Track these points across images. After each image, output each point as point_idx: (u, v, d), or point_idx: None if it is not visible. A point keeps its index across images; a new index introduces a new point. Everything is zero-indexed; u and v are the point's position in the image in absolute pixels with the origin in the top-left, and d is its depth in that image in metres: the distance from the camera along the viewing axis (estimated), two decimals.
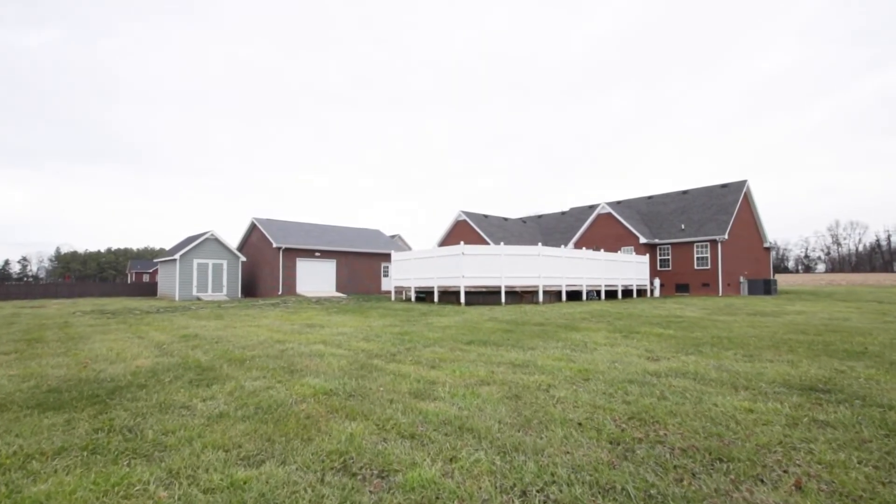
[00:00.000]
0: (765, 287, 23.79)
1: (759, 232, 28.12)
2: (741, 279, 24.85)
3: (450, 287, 17.45)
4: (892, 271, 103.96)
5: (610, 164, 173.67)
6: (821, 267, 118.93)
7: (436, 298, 18.10)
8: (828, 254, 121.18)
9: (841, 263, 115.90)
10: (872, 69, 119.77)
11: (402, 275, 20.23)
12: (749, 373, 5.19)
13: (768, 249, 28.79)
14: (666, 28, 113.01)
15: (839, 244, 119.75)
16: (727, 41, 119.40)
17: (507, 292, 17.02)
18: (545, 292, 17.89)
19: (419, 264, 19.07)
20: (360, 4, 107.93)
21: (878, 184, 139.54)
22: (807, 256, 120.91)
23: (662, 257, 26.15)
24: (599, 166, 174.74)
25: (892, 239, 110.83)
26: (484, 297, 17.14)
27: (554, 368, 5.45)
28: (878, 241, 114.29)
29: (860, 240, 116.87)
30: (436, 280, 17.97)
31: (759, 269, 27.48)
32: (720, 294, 23.49)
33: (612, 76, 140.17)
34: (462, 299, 16.61)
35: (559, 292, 18.79)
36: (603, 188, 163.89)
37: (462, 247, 16.72)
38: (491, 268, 16.83)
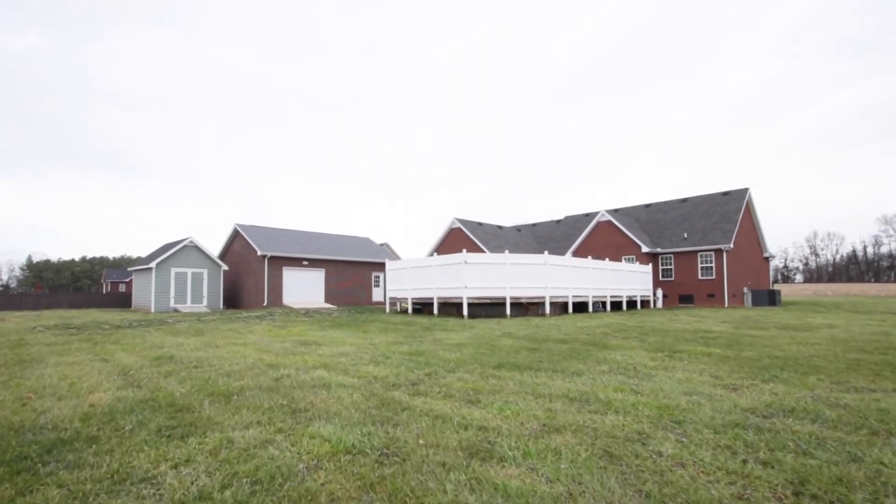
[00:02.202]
0: (769, 298, 23.24)
1: (759, 241, 27.74)
2: (745, 290, 24.28)
3: (451, 298, 16.31)
4: (870, 281, 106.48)
5: (595, 171, 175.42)
6: (799, 277, 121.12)
7: (435, 310, 16.93)
8: (806, 264, 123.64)
9: (819, 274, 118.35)
10: (848, 83, 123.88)
11: (397, 285, 19.01)
12: (867, 409, 4.19)
13: (767, 259, 28.42)
14: (649, 39, 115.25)
15: (817, 255, 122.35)
16: (706, 54, 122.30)
17: (512, 304, 15.96)
18: (551, 304, 16.88)
19: (416, 273, 17.90)
20: (349, 13, 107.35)
21: (854, 195, 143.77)
22: (786, 267, 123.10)
23: (664, 267, 25.45)
24: (586, 174, 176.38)
25: (869, 250, 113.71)
26: (487, 308, 16.04)
27: (624, 404, 4.37)
28: (854, 251, 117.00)
29: (837, 250, 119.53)
30: (435, 291, 16.81)
31: (760, 279, 27.03)
32: (726, 305, 22.84)
33: (596, 86, 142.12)
34: (465, 311, 15.48)
35: (565, 304, 17.81)
36: (591, 194, 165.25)
37: (465, 255, 15.62)
38: (495, 277, 15.76)
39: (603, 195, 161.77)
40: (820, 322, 13.39)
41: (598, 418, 3.96)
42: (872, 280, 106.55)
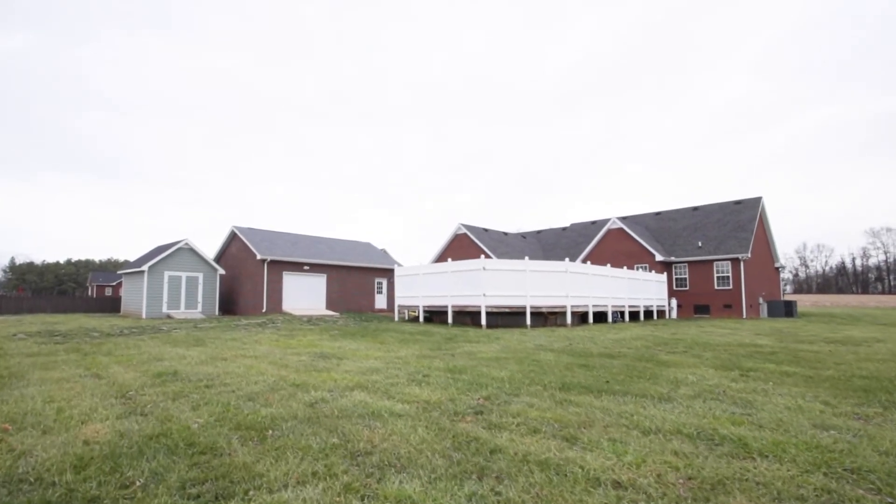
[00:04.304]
0: (785, 309, 22.64)
1: (771, 251, 27.23)
2: (760, 300, 23.67)
3: (467, 307, 15.39)
4: (857, 293, 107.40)
5: (583, 182, 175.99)
6: (788, 288, 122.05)
7: (449, 319, 15.98)
8: (795, 275, 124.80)
9: (808, 285, 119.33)
10: (836, 98, 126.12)
11: (408, 292, 18.04)
12: None
13: (778, 269, 27.93)
14: (635, 54, 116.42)
15: (807, 266, 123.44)
16: (694, 68, 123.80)
17: (532, 313, 15.07)
18: (571, 313, 16.02)
19: (429, 280, 16.97)
20: (339, 20, 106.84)
21: (844, 208, 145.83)
22: None
23: (679, 276, 24.76)
24: (574, 183, 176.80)
25: (857, 262, 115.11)
26: (504, 318, 15.14)
27: (763, 444, 3.51)
28: (843, 263, 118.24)
29: (826, 262, 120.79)
30: (450, 298, 15.89)
31: (772, 289, 26.48)
32: (744, 316, 22.16)
33: (583, 98, 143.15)
34: (483, 321, 14.56)
35: (585, 313, 16.98)
36: (581, 205, 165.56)
37: (483, 261, 14.75)
38: (515, 285, 14.89)
39: (593, 204, 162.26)
40: (863, 335, 12.70)
41: (750, 467, 3.08)
42: (860, 292, 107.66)
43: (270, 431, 3.77)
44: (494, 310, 14.72)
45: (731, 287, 22.75)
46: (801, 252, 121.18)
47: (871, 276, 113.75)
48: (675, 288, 24.63)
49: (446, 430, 3.86)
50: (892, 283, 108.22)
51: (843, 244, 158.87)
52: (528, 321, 14.86)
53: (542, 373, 6.65)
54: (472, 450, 3.37)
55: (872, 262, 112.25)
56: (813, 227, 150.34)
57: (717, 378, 6.36)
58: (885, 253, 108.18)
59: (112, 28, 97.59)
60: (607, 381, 6.01)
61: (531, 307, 14.95)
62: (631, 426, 4.01)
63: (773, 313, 22.82)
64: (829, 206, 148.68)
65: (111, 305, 32.43)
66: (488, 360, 7.92)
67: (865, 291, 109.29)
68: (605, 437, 3.70)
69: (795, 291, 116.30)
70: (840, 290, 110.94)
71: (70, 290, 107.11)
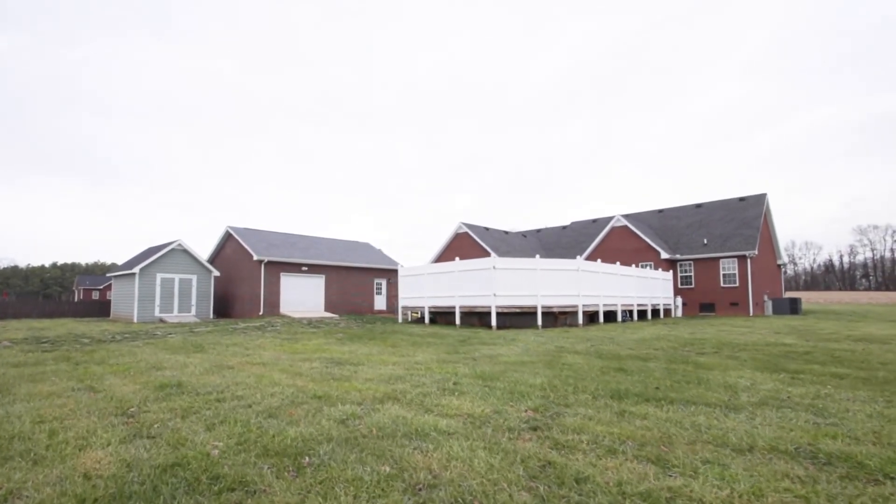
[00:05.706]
0: (791, 306, 22.45)
1: (774, 248, 27.09)
2: (765, 298, 23.46)
3: (476, 307, 14.88)
4: (845, 290, 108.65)
5: (582, 182, 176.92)
6: None
7: (457, 321, 15.45)
8: (785, 273, 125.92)
9: (796, 282, 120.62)
10: (825, 101, 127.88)
11: (413, 293, 17.48)
12: None
13: (780, 266, 27.81)
14: (632, 55, 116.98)
15: (795, 263, 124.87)
16: (688, 73, 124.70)
17: (543, 313, 14.59)
18: (582, 313, 15.58)
19: (436, 280, 16.42)
20: (332, 21, 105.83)
21: (831, 206, 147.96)
22: None
23: (684, 274, 24.48)
24: (574, 184, 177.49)
25: (845, 259, 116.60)
26: (514, 318, 14.66)
27: (883, 462, 3.07)
28: (830, 261, 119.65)
29: (815, 259, 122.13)
30: (458, 299, 15.36)
31: (775, 287, 26.33)
32: (751, 314, 21.92)
33: (581, 100, 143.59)
34: (493, 322, 14.06)
35: (595, 313, 16.56)
36: (581, 205, 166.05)
37: (494, 259, 14.26)
38: (526, 284, 14.41)
39: (593, 204, 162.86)
40: (883, 332, 12.42)
41: (887, 493, 2.61)
42: (847, 288, 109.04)
43: (307, 458, 3.21)
44: (505, 310, 14.23)
45: (737, 285, 22.50)
46: (789, 250, 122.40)
47: (858, 273, 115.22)
48: (680, 286, 24.35)
49: (509, 452, 3.34)
50: (878, 280, 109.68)
51: (832, 242, 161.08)
52: (539, 322, 14.39)
53: (580, 379, 6.16)
54: (554, 479, 2.85)
55: (859, 259, 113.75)
56: (805, 227, 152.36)
57: (769, 382, 5.91)
58: (872, 250, 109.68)
59: (107, 30, 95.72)
60: (657, 388, 5.53)
61: (542, 307, 14.48)
62: (717, 443, 3.52)
63: (778, 311, 22.62)
64: (820, 206, 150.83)
65: (99, 309, 31.37)
66: (515, 365, 7.42)
67: (852, 288, 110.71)
68: (697, 458, 3.20)
69: (784, 289, 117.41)
70: (827, 287, 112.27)
71: (56, 294, 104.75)
